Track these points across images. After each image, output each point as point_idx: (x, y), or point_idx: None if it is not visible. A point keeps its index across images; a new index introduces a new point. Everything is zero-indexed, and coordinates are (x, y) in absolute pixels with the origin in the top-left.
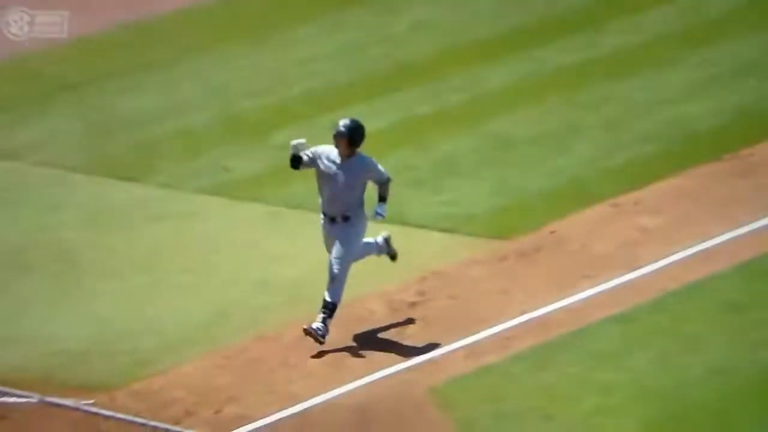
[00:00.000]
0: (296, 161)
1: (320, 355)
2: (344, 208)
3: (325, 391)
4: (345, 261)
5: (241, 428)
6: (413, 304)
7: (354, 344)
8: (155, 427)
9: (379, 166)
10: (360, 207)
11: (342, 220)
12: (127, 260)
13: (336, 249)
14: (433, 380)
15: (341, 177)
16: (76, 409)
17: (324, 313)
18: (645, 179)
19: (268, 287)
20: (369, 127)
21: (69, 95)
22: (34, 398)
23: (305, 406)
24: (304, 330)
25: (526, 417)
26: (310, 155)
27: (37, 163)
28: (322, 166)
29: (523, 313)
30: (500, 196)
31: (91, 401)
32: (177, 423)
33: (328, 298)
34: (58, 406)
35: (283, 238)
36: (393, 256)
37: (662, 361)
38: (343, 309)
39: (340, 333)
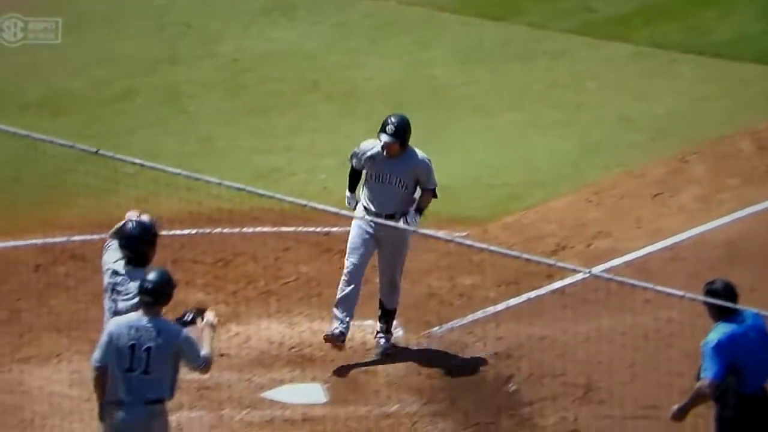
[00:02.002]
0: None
1: (688, 191)
2: (401, 205)
3: (694, 226)
4: (403, 265)
5: (612, 261)
6: None
7: (723, 181)
8: (528, 260)
9: (432, 169)
10: (413, 204)
11: (400, 217)
12: (497, 98)
13: (395, 254)
14: None
15: (396, 176)
16: (450, 241)
17: (385, 323)
18: None
19: (635, 125)
20: None
21: None
22: None
23: (675, 241)
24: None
25: None
26: (359, 157)
27: (407, 2)
28: (372, 166)
29: None
30: None
31: (465, 233)
32: (549, 255)
33: (387, 306)
34: (433, 237)
35: (648, 76)
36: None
37: None
38: (712, 147)
39: (710, 170)
